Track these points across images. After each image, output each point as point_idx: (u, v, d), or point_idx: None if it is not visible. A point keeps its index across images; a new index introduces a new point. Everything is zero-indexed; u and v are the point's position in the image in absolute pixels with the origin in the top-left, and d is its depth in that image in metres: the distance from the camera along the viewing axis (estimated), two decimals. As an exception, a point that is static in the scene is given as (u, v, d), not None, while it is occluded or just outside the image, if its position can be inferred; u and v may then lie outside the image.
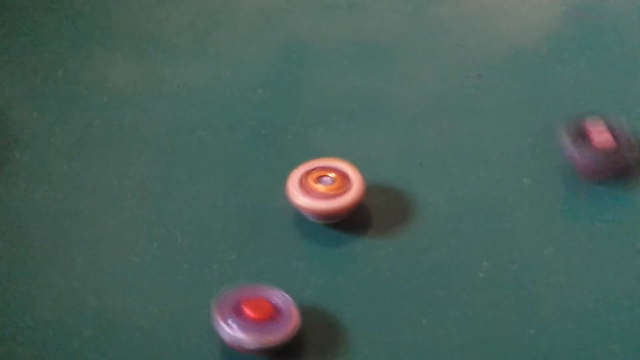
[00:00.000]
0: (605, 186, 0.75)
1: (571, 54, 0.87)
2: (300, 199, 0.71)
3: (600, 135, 0.73)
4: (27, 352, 0.66)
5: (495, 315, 0.68)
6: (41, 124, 0.81)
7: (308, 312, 0.67)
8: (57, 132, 0.81)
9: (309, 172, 0.73)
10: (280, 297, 0.65)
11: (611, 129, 0.75)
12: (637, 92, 0.84)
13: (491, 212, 0.75)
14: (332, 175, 0.72)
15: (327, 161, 0.74)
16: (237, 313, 0.63)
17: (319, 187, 0.71)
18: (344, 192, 0.71)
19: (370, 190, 0.73)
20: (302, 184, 0.72)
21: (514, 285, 0.69)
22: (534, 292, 0.69)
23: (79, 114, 0.82)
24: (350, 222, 0.73)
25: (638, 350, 0.65)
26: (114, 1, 0.93)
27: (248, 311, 0.63)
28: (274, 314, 0.64)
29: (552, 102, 0.83)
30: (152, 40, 0.89)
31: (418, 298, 0.69)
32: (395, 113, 0.83)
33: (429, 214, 0.74)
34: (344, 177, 0.72)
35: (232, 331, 0.62)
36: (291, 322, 0.64)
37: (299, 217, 0.74)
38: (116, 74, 0.86)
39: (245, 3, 0.93)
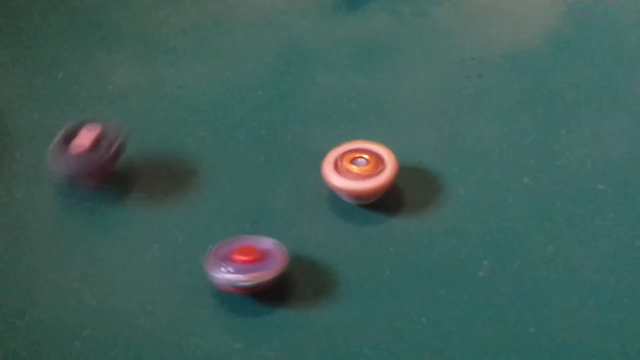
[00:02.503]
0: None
1: (570, 54, 0.87)
2: (335, 179, 0.73)
3: (82, 139, 0.71)
4: (27, 351, 0.66)
5: (496, 313, 0.67)
6: (42, 125, 0.81)
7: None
8: (57, 133, 0.80)
9: (344, 154, 0.74)
10: (265, 242, 0.70)
11: (101, 134, 0.73)
12: (636, 91, 0.84)
13: (491, 211, 0.74)
14: (366, 157, 0.73)
15: (362, 143, 0.75)
16: (228, 261, 0.68)
17: (353, 167, 0.73)
18: (378, 173, 0.72)
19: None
20: (337, 165, 0.73)
21: (515, 283, 0.69)
22: (534, 290, 0.69)
23: (80, 115, 0.82)
24: (383, 203, 0.74)
25: (638, 348, 0.65)
26: (114, 4, 0.93)
27: (240, 257, 0.68)
28: (263, 256, 0.68)
29: (552, 101, 0.83)
30: (152, 42, 0.89)
31: (418, 297, 0.69)
32: (395, 113, 0.83)
33: (429, 214, 0.74)
34: (378, 158, 0.74)
35: (229, 275, 0.67)
36: (280, 259, 0.68)
37: (333, 196, 0.75)
38: (116, 75, 0.86)
39: (245, 5, 0.93)
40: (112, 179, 0.77)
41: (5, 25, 0.90)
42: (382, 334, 0.67)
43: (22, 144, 0.80)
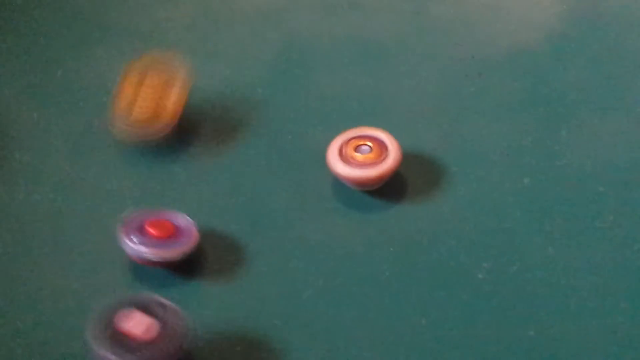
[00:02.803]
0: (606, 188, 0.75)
1: (571, 53, 0.87)
2: (340, 168, 0.74)
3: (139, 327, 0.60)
4: (27, 353, 0.66)
5: (495, 316, 0.68)
6: (41, 124, 0.81)
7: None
8: (56, 133, 0.81)
9: (348, 141, 0.75)
10: (182, 219, 0.71)
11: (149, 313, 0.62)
12: (637, 91, 0.84)
13: (491, 212, 0.74)
14: (370, 144, 0.75)
15: (366, 130, 0.76)
16: (141, 232, 0.69)
17: (357, 155, 0.74)
18: (381, 161, 0.74)
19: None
20: (342, 153, 0.75)
21: (514, 286, 0.69)
22: (534, 293, 0.69)
23: (79, 114, 0.82)
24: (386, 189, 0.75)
25: (637, 353, 0.65)
26: (113, 1, 0.92)
27: (151, 230, 0.69)
28: (176, 233, 0.70)
29: (553, 101, 0.83)
30: (151, 40, 0.89)
31: (417, 298, 0.69)
32: (396, 113, 0.83)
33: (428, 214, 0.75)
34: (381, 146, 0.75)
35: (135, 246, 0.69)
36: (191, 240, 0.70)
37: (338, 183, 0.76)
38: (116, 73, 0.85)
39: (245, 2, 0.93)
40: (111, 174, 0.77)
41: (3, 24, 0.90)
42: (381, 335, 0.67)
43: (21, 144, 0.80)
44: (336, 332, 0.67)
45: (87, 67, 0.86)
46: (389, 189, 0.76)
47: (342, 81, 0.85)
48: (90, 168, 0.78)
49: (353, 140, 0.76)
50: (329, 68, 0.86)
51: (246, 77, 0.86)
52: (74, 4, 0.92)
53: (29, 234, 0.73)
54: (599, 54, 0.87)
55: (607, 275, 0.70)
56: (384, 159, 0.74)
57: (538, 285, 0.69)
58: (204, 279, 0.70)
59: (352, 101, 0.84)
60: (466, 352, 0.66)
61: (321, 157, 0.78)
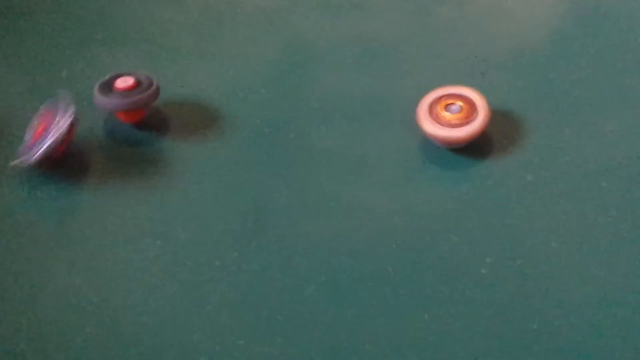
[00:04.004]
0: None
1: (574, 52, 0.87)
2: (429, 127, 0.75)
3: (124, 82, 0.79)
4: (30, 348, 0.66)
5: (498, 310, 0.67)
6: (45, 123, 0.82)
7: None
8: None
9: (438, 100, 0.76)
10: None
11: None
12: (639, 88, 0.83)
13: (494, 208, 0.74)
14: (460, 103, 0.75)
15: (456, 89, 0.77)
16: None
17: (446, 115, 0.74)
18: (470, 122, 0.74)
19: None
20: (431, 112, 0.75)
21: (517, 280, 0.69)
22: (537, 287, 0.69)
23: (83, 114, 0.82)
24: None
25: (641, 345, 0.65)
26: (117, 2, 0.93)
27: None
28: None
29: (555, 99, 0.83)
30: (155, 41, 0.89)
31: (420, 294, 0.69)
32: (398, 112, 0.83)
33: (432, 211, 0.74)
34: (471, 105, 0.75)
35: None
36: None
37: (425, 141, 0.77)
38: (120, 74, 0.86)
39: (248, 3, 0.93)
40: (114, 172, 0.77)
41: (9, 24, 0.90)
42: (384, 330, 0.67)
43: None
44: (339, 327, 0.67)
45: (92, 67, 0.86)
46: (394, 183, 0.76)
47: (345, 81, 0.85)
48: (92, 167, 0.78)
49: (444, 99, 0.76)
50: (332, 68, 0.87)
51: (249, 77, 0.86)
52: (79, 6, 0.93)
53: (32, 231, 0.74)
54: (601, 53, 0.87)
55: (610, 269, 0.69)
56: (472, 120, 0.74)
57: (541, 280, 0.69)
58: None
59: (354, 100, 0.84)
60: (469, 347, 0.66)
61: (324, 157, 0.78)
